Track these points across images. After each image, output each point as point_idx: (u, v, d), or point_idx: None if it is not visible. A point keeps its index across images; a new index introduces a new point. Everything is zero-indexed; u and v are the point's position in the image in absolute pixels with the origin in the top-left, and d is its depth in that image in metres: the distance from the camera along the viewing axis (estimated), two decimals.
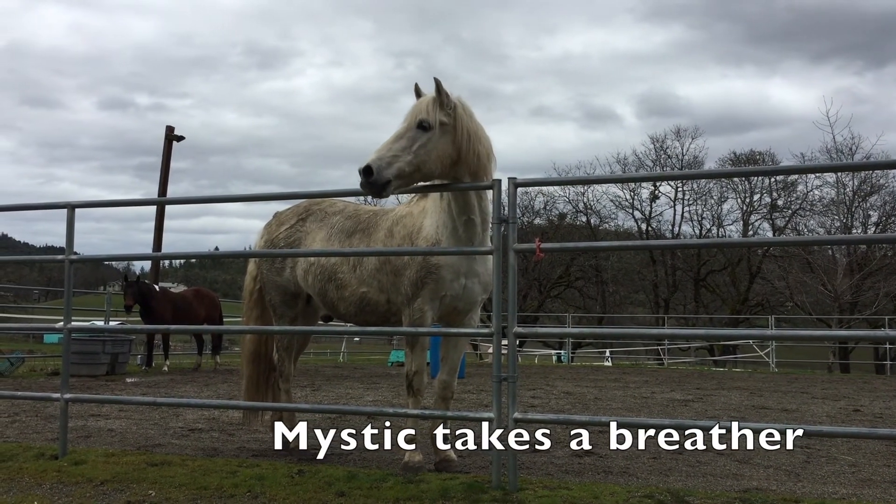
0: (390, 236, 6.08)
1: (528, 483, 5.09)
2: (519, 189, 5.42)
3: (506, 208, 5.20)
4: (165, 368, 16.99)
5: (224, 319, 20.02)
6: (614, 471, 6.01)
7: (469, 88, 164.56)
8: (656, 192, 45.88)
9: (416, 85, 5.63)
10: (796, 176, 41.14)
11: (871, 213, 39.53)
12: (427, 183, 5.63)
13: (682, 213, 46.23)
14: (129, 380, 14.43)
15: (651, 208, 46.82)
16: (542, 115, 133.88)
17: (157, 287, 17.78)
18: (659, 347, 31.23)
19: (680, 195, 45.99)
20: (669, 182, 45.74)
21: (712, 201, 45.87)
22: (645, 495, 4.74)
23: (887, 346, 26.24)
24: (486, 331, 5.36)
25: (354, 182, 5.31)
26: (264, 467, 5.65)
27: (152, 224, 24.77)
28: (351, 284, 6.21)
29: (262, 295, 7.10)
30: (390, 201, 8.39)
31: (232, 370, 17.45)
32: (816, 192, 41.29)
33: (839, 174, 36.14)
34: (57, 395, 6.37)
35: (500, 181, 5.26)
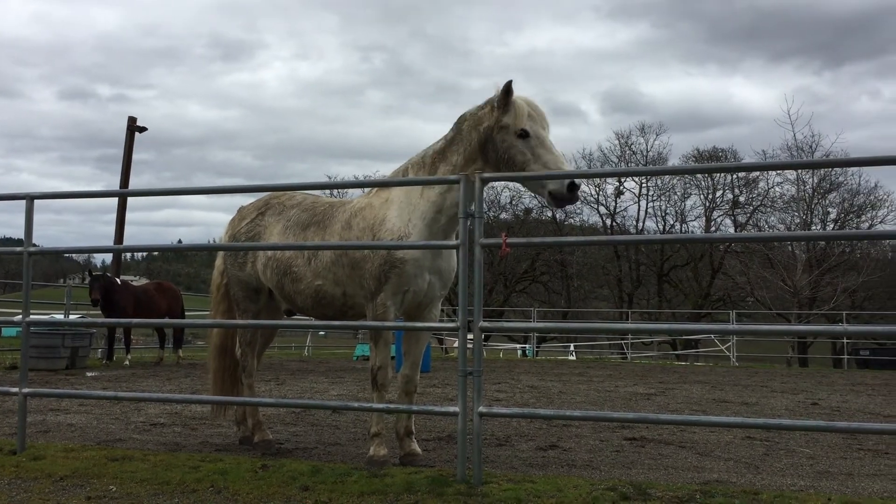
0: (348, 228, 6.01)
1: (493, 476, 5.12)
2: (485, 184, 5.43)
3: (472, 203, 5.20)
4: (127, 362, 16.78)
5: (186, 313, 19.82)
6: (578, 464, 6.06)
7: (435, 83, 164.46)
8: (621, 187, 46.28)
9: (510, 83, 5.52)
10: (758, 173, 41.77)
11: (830, 210, 40.30)
12: (392, 178, 5.61)
13: (646, 208, 46.74)
14: (89, 374, 14.22)
15: (616, 204, 47.23)
16: None
17: (118, 280, 17.54)
18: (622, 342, 31.51)
19: (644, 191, 46.48)
20: (634, 178, 46.13)
21: (676, 197, 46.45)
22: (608, 488, 4.78)
23: (844, 340, 26.77)
24: (451, 325, 5.37)
25: (320, 175, 5.29)
26: (228, 462, 5.61)
27: (114, 216, 24.47)
28: (306, 277, 6.17)
29: (228, 289, 7.06)
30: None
31: (195, 364, 17.29)
32: (777, 189, 42.00)
33: (799, 172, 36.73)
34: (15, 390, 6.25)
35: (466, 176, 5.26)
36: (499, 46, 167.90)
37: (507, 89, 5.48)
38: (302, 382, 13.05)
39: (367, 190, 6.49)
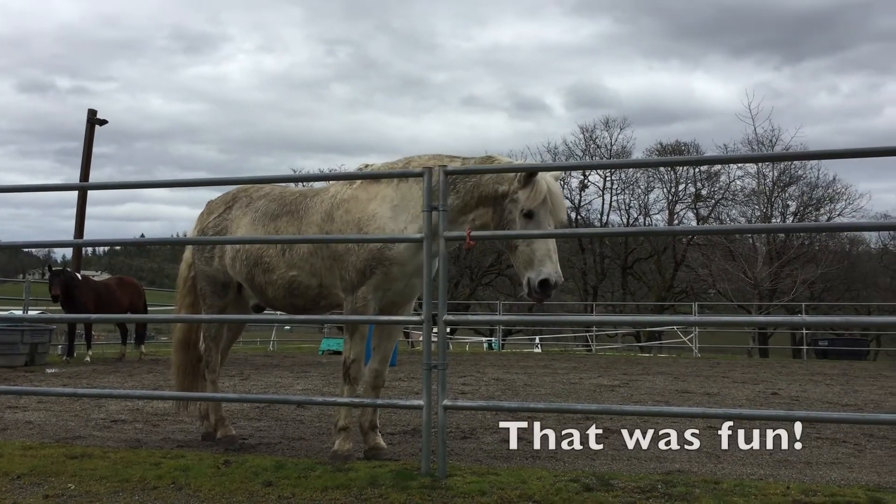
0: (329, 220, 5.92)
1: (457, 469, 5.13)
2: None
3: (437, 196, 5.20)
4: (88, 359, 16.52)
5: (149, 308, 19.56)
6: (542, 456, 6.09)
7: (401, 77, 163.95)
8: (585, 181, 46.58)
9: (536, 171, 5.39)
10: (719, 167, 42.32)
11: (789, 203, 41.00)
12: (365, 171, 5.62)
13: (611, 202, 47.12)
14: (49, 370, 13.97)
15: (580, 197, 47.52)
16: (474, 104, 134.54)
17: (78, 275, 17.25)
18: (587, 334, 31.75)
19: (608, 185, 46.84)
20: (598, 172, 46.46)
21: (639, 191, 46.89)
22: (571, 479, 4.82)
23: (804, 331, 27.24)
24: (416, 318, 5.36)
25: (286, 169, 5.26)
26: (189, 458, 5.55)
27: (74, 211, 24.04)
28: (279, 268, 6.11)
29: (195, 282, 6.98)
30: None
31: (157, 360, 17.09)
32: (738, 182, 42.62)
33: (760, 165, 37.25)
34: None
35: (430, 169, 5.25)
36: (464, 41, 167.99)
37: (532, 173, 5.33)
38: (267, 377, 12.96)
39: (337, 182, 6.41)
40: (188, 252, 7.15)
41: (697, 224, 42.77)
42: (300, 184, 8.02)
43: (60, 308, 16.29)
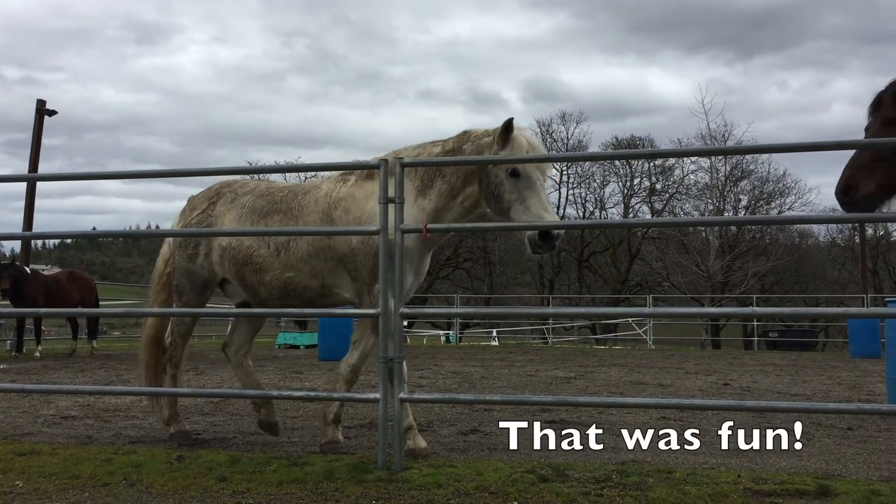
0: (328, 220, 5.79)
1: (414, 462, 5.13)
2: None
3: (392, 189, 5.18)
4: (37, 354, 16.20)
5: (101, 303, 19.21)
6: (498, 447, 6.12)
7: (358, 70, 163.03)
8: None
9: (511, 121, 5.37)
10: (673, 161, 42.93)
11: (741, 197, 41.75)
12: (324, 164, 5.54)
13: (567, 195, 47.48)
14: None
15: None
16: (431, 97, 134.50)
17: (27, 269, 16.88)
18: (544, 327, 32.00)
19: (565, 178, 47.20)
20: (555, 165, 46.75)
21: (595, 185, 47.34)
22: (527, 470, 4.85)
23: (755, 322, 27.80)
24: (372, 312, 5.33)
25: (241, 161, 5.19)
26: (142, 454, 5.46)
27: (23, 203, 23.53)
28: (273, 269, 5.98)
29: (171, 279, 6.79)
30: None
31: (109, 355, 16.81)
32: (692, 176, 43.27)
33: (713, 160, 37.88)
34: None
35: (386, 161, 5.23)
36: (421, 34, 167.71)
37: (507, 126, 5.35)
38: (222, 372, 12.82)
39: (331, 175, 6.28)
40: (165, 247, 6.95)
41: (652, 217, 43.34)
42: (285, 180, 7.90)
43: (9, 303, 15.93)
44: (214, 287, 6.52)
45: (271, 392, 6.28)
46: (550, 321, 31.53)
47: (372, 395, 5.24)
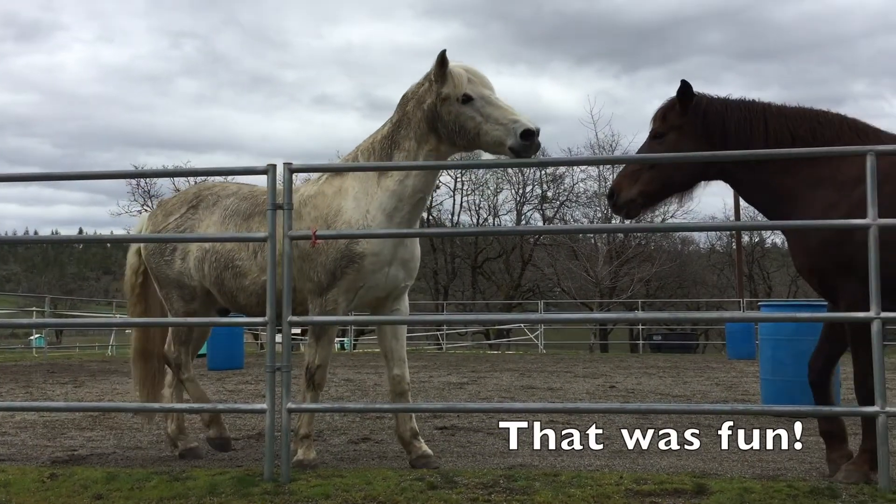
0: (298, 218, 5.58)
1: (302, 473, 5.04)
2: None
3: (281, 195, 5.09)
4: None
5: None
6: (389, 455, 6.10)
7: (250, 73, 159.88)
8: (437, 182, 47.10)
9: (444, 52, 5.36)
10: (564, 169, 43.96)
11: None
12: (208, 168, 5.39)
13: (461, 202, 47.89)
14: None
15: (431, 198, 48.04)
16: (326, 103, 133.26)
17: None
18: (438, 332, 32.14)
19: (459, 185, 47.61)
20: (449, 173, 47.13)
21: (489, 192, 47.90)
22: (416, 478, 4.84)
23: (640, 327, 28.78)
24: (260, 320, 5.23)
25: (127, 165, 5.00)
26: (11, 472, 5.16)
27: None
28: (251, 272, 5.77)
29: (145, 289, 6.51)
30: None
31: None
32: (581, 185, 44.37)
33: (601, 169, 39.01)
34: None
35: (274, 166, 5.13)
36: (315, 39, 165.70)
37: (442, 60, 5.34)
38: (102, 384, 12.29)
39: (315, 176, 6.13)
40: (133, 257, 6.58)
41: (543, 224, 44.25)
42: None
43: None
44: (203, 292, 6.17)
45: (152, 405, 6.05)
46: (445, 327, 31.70)
47: (258, 406, 5.12)
